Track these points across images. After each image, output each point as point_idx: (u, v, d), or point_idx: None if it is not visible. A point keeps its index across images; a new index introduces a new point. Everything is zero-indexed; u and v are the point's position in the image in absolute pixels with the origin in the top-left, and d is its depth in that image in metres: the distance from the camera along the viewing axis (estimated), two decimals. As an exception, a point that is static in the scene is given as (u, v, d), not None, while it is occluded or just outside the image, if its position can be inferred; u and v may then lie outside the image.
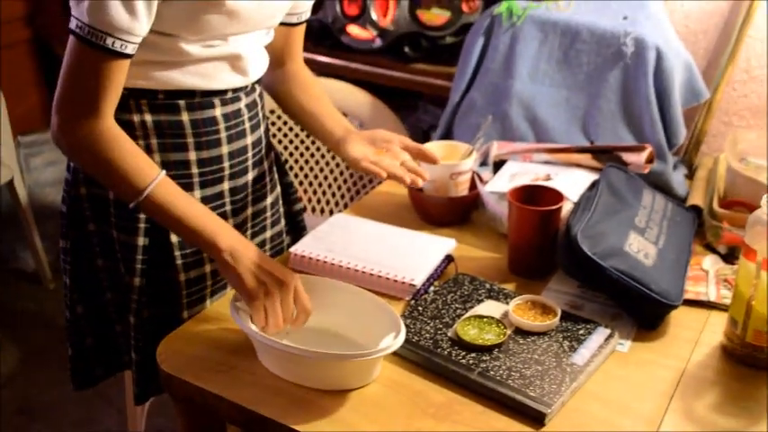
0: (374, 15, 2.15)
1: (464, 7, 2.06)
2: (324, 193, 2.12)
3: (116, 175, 1.14)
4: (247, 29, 1.23)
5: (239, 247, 1.14)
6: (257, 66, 1.31)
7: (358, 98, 2.13)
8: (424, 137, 2.26)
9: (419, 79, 2.14)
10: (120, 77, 1.13)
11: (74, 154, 1.19)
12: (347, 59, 2.23)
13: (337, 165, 2.11)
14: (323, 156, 2.12)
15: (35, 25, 3.04)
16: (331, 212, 2.10)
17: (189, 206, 1.17)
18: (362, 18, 2.15)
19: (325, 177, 2.12)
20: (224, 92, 1.27)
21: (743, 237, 1.12)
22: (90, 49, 1.08)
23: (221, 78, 1.25)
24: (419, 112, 2.37)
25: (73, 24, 1.09)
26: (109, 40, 1.08)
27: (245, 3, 1.17)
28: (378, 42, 2.18)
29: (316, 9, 2.23)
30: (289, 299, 1.12)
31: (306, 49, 2.23)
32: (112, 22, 1.06)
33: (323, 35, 2.27)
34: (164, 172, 1.16)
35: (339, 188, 2.10)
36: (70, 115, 1.13)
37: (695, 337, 1.19)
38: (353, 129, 1.39)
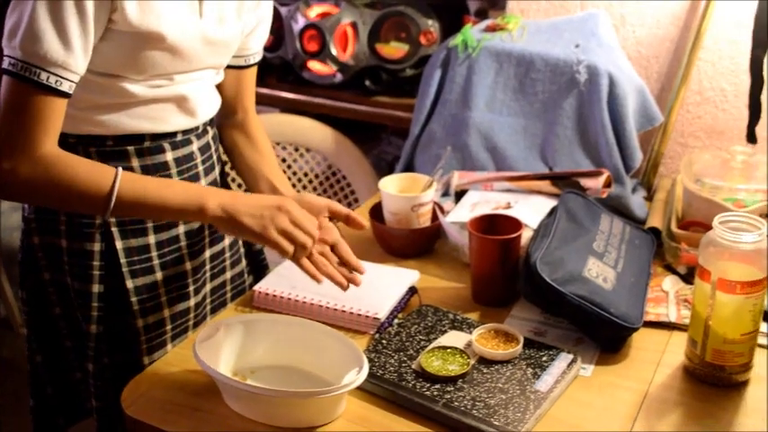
0: (334, 51, 2.17)
1: (422, 40, 2.09)
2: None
3: (76, 193, 1.10)
4: (192, 67, 1.22)
5: (228, 201, 1.13)
6: (206, 106, 1.29)
7: (321, 133, 2.14)
8: (388, 168, 2.27)
9: (381, 112, 2.16)
10: (57, 117, 1.09)
11: (24, 195, 1.15)
12: (309, 95, 2.25)
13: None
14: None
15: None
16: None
17: (162, 188, 1.14)
18: (323, 54, 2.18)
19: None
20: (173, 134, 1.26)
21: (699, 257, 1.14)
22: (24, 86, 1.05)
23: (169, 120, 1.24)
24: (383, 144, 2.39)
25: (6, 63, 1.06)
26: (43, 75, 1.04)
27: (186, 39, 1.16)
28: (339, 77, 2.20)
29: (277, 46, 2.26)
30: (297, 216, 1.15)
31: (269, 86, 2.28)
32: (46, 54, 1.04)
33: (285, 71, 2.30)
34: (120, 168, 1.12)
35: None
36: (8, 157, 1.07)
37: (657, 359, 1.20)
38: (285, 193, 1.36)
